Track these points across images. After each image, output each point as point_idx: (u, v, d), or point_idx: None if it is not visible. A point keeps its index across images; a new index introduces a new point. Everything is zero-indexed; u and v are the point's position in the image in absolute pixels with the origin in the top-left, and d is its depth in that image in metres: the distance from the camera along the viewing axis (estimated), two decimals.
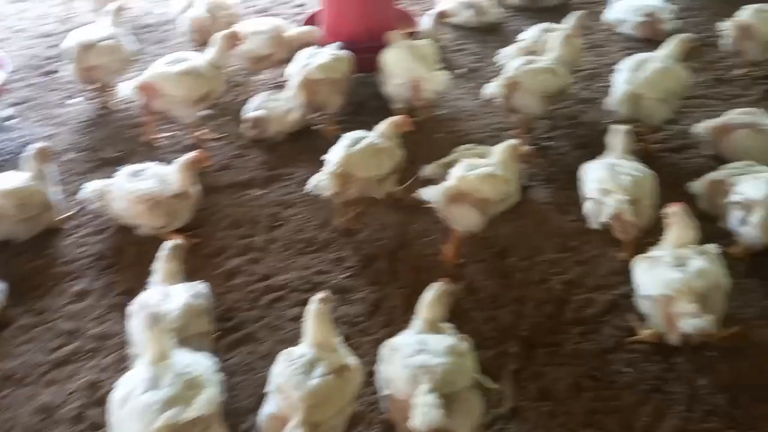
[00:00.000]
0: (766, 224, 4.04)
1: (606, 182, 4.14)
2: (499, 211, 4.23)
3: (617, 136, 4.53)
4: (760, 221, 4.05)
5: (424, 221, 4.67)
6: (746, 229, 4.14)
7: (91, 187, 4.44)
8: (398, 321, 3.97)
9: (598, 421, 3.50)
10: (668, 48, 5.26)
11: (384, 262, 4.40)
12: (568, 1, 7.50)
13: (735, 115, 5.21)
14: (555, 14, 7.17)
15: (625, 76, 5.13)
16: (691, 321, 3.35)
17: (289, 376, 2.99)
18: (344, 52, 5.39)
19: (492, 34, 6.94)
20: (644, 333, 3.88)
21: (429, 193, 4.19)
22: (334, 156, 4.37)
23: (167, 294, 3.57)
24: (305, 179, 5.01)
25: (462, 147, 4.86)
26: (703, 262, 3.57)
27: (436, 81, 5.21)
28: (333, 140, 5.33)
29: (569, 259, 4.42)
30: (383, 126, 4.56)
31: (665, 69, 5.11)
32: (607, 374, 3.72)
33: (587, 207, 4.30)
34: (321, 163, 5.17)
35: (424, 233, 4.61)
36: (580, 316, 4.05)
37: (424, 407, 2.85)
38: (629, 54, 6.47)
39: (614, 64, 6.34)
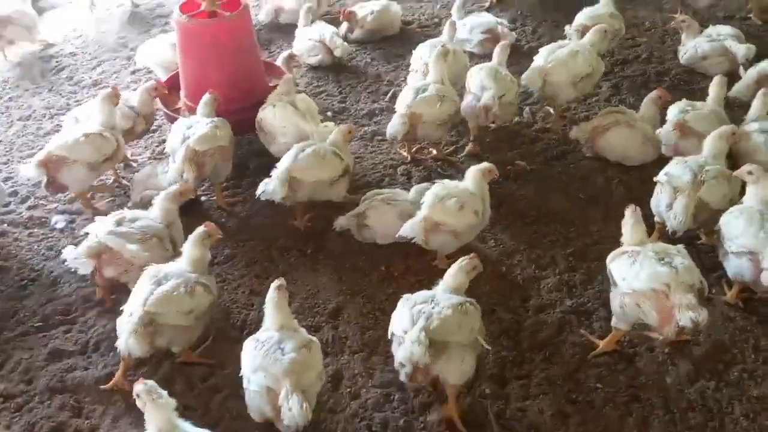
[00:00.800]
0: (690, 211, 4.27)
1: (485, 81, 5.31)
2: (474, 236, 4.56)
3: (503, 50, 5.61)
4: (683, 208, 4.27)
5: (353, 276, 4.54)
6: (671, 213, 4.35)
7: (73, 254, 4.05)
8: (366, 387, 3.82)
9: None
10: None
11: (328, 330, 4.21)
12: (407, 27, 7.62)
13: (604, 115, 5.53)
14: (396, 42, 7.30)
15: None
16: (690, 313, 3.42)
17: (264, 356, 3.32)
18: (219, 119, 5.08)
19: (344, 71, 6.88)
20: (602, 343, 3.98)
21: (407, 230, 4.31)
22: (282, 163, 4.67)
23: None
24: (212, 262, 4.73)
25: (369, 194, 4.77)
26: (687, 260, 3.68)
27: (327, 133, 5.04)
28: (229, 209, 5.12)
29: (504, 286, 4.46)
30: (334, 136, 4.85)
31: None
32: (583, 394, 3.77)
33: (469, 101, 5.40)
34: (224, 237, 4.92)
35: (358, 290, 4.45)
36: (537, 341, 4.08)
37: (412, 343, 3.27)
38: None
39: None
